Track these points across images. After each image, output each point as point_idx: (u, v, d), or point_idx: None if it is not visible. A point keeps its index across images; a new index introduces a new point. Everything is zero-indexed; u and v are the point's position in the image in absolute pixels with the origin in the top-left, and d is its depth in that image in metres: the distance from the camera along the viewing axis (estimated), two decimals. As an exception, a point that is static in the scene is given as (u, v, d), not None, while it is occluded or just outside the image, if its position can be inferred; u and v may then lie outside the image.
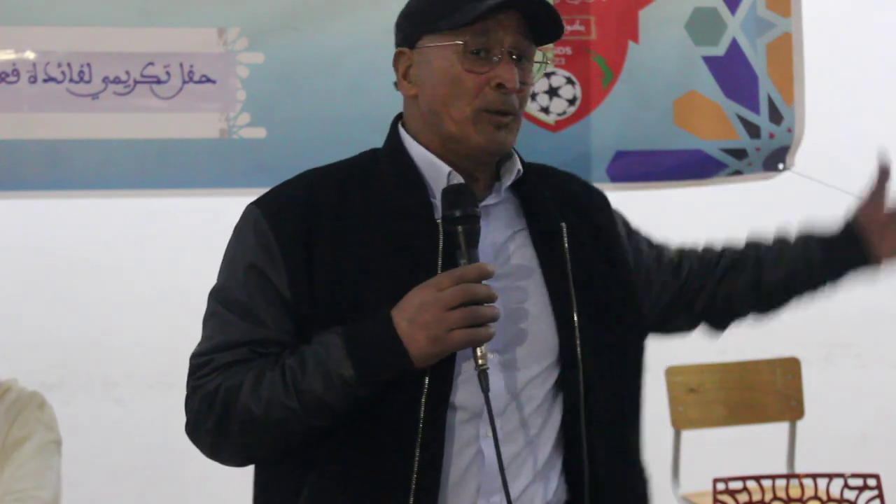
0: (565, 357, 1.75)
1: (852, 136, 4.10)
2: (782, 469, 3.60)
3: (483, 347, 1.62)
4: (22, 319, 3.82)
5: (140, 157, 2.81)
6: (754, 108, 3.05)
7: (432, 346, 1.61)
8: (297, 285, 1.69)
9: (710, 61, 3.03)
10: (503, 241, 1.78)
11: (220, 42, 2.82)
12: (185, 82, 2.81)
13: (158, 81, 2.81)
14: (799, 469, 3.57)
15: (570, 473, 1.76)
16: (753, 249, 2.04)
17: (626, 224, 1.99)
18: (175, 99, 2.81)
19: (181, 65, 2.81)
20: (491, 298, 1.63)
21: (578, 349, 1.75)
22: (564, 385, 1.75)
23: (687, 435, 3.53)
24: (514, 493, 1.68)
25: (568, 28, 2.87)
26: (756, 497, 2.45)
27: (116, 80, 2.79)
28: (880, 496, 2.42)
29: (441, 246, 1.69)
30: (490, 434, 1.66)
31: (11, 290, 3.83)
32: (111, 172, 2.81)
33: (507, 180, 1.80)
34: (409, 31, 1.77)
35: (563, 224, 1.80)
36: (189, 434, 1.73)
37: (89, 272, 3.88)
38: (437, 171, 1.75)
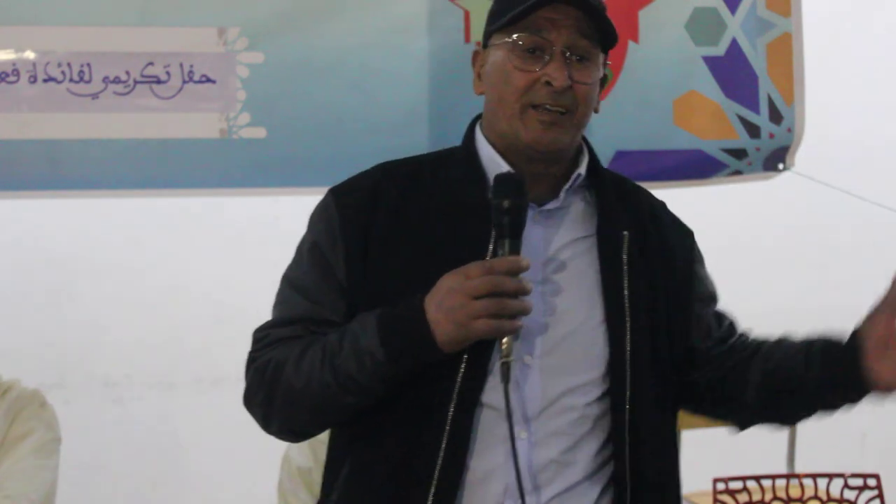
0: (614, 372, 1.73)
1: (852, 136, 4.09)
2: (782, 469, 3.60)
3: (509, 339, 1.61)
4: (22, 319, 3.81)
5: (140, 157, 2.81)
6: (754, 108, 3.05)
7: (456, 331, 1.61)
8: (351, 271, 1.73)
9: (710, 61, 3.03)
10: (561, 246, 1.76)
11: (220, 42, 2.82)
12: (185, 82, 2.81)
13: (158, 81, 2.80)
14: (799, 469, 3.57)
15: (617, 492, 1.74)
16: (760, 343, 1.89)
17: (705, 279, 1.93)
18: (175, 99, 2.81)
19: (181, 65, 2.81)
20: (521, 292, 1.61)
21: (628, 366, 1.73)
22: (611, 400, 1.73)
23: (687, 435, 3.52)
24: (542, 499, 1.68)
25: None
26: (756, 497, 2.45)
27: (116, 80, 2.79)
28: (880, 496, 2.42)
29: (492, 244, 1.68)
30: (523, 436, 1.67)
31: (11, 290, 3.82)
32: (111, 172, 2.81)
33: (568, 184, 1.78)
34: (485, 30, 1.80)
35: (626, 233, 1.78)
36: (245, 405, 1.79)
37: (89, 272, 3.87)
38: (498, 170, 1.75)
